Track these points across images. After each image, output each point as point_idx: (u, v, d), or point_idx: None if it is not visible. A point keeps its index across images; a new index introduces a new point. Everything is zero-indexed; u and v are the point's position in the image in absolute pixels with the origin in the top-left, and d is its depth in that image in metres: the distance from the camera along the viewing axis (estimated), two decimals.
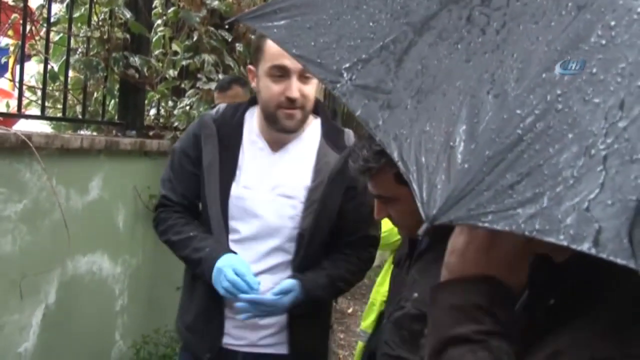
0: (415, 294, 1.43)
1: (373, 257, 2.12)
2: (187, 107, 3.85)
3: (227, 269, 1.88)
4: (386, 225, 2.03)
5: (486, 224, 0.69)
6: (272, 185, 1.99)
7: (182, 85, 3.96)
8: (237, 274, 1.87)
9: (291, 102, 1.91)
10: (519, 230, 0.68)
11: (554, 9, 0.81)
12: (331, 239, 2.02)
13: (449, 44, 0.83)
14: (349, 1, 0.93)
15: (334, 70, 0.87)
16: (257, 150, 2.02)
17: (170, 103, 3.89)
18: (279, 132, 1.98)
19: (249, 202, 1.98)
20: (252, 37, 4.13)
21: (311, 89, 1.94)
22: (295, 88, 1.90)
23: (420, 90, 0.81)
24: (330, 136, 2.02)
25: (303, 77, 1.91)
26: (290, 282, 1.92)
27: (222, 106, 2.12)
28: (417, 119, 0.79)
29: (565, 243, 0.67)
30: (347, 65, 0.87)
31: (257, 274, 1.93)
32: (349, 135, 2.04)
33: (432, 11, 0.85)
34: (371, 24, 0.89)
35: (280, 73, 1.90)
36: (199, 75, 3.90)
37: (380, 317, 1.88)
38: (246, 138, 2.03)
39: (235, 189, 1.99)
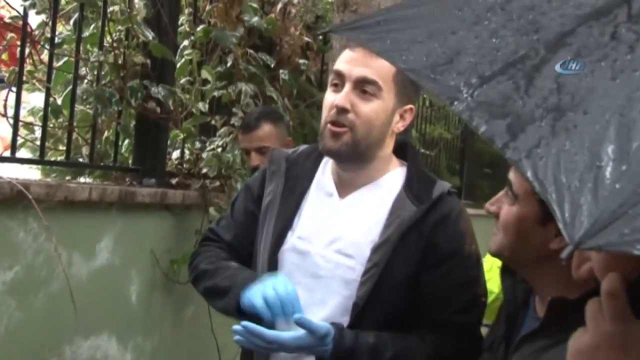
0: None
1: (472, 350, 1.97)
2: (219, 149, 3.85)
3: (267, 286, 1.92)
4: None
5: None
6: (330, 239, 2.02)
7: (213, 122, 3.98)
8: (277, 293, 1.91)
9: (338, 114, 1.95)
10: None
11: None
12: (400, 317, 1.99)
13: (590, 61, 0.95)
14: (466, 16, 1.07)
15: (451, 86, 0.99)
16: (324, 195, 2.09)
17: (197, 144, 3.90)
18: (338, 163, 2.04)
19: (300, 257, 2.03)
20: (300, 61, 4.54)
21: (372, 110, 1.97)
22: (344, 96, 1.95)
23: (557, 109, 0.91)
24: (414, 187, 2.03)
25: (361, 91, 1.95)
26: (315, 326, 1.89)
27: (302, 147, 2.23)
28: (554, 137, 0.89)
29: None
30: (468, 81, 0.98)
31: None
32: (441, 188, 2.03)
33: (567, 27, 0.99)
34: (494, 40, 1.02)
35: (337, 80, 1.98)
36: (233, 110, 3.92)
37: None
38: (316, 181, 2.11)
39: (289, 239, 2.05)
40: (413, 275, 1.96)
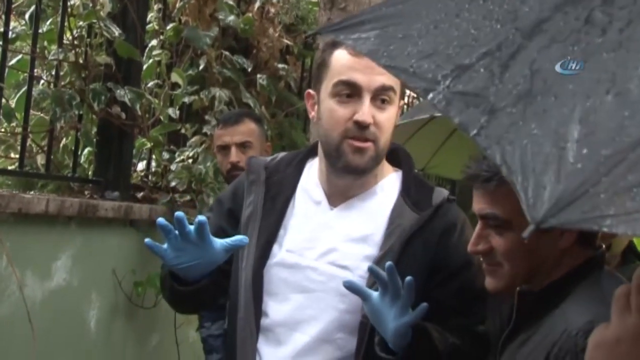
0: None
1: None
2: (189, 161, 3.86)
3: None
4: None
5: (604, 228, 0.84)
6: (323, 251, 2.02)
7: (183, 131, 4.00)
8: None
9: (361, 130, 1.95)
10: None
11: None
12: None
13: (564, 46, 1.03)
14: (447, 9, 1.17)
15: (429, 78, 1.07)
16: (311, 204, 2.09)
17: (166, 154, 3.90)
18: (345, 174, 2.03)
19: (289, 272, 2.03)
20: (279, 66, 4.53)
21: (388, 119, 1.99)
22: (367, 110, 1.94)
23: (529, 94, 1.00)
24: (412, 193, 2.06)
25: (378, 101, 1.96)
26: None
27: (281, 154, 2.25)
28: (524, 123, 0.97)
29: None
30: (445, 72, 1.06)
31: None
32: (440, 195, 2.06)
33: (545, 14, 1.07)
34: (473, 31, 1.11)
35: (349, 91, 1.96)
36: (206, 117, 3.95)
37: None
38: (301, 189, 2.12)
39: (276, 253, 2.05)
40: (422, 287, 1.92)
